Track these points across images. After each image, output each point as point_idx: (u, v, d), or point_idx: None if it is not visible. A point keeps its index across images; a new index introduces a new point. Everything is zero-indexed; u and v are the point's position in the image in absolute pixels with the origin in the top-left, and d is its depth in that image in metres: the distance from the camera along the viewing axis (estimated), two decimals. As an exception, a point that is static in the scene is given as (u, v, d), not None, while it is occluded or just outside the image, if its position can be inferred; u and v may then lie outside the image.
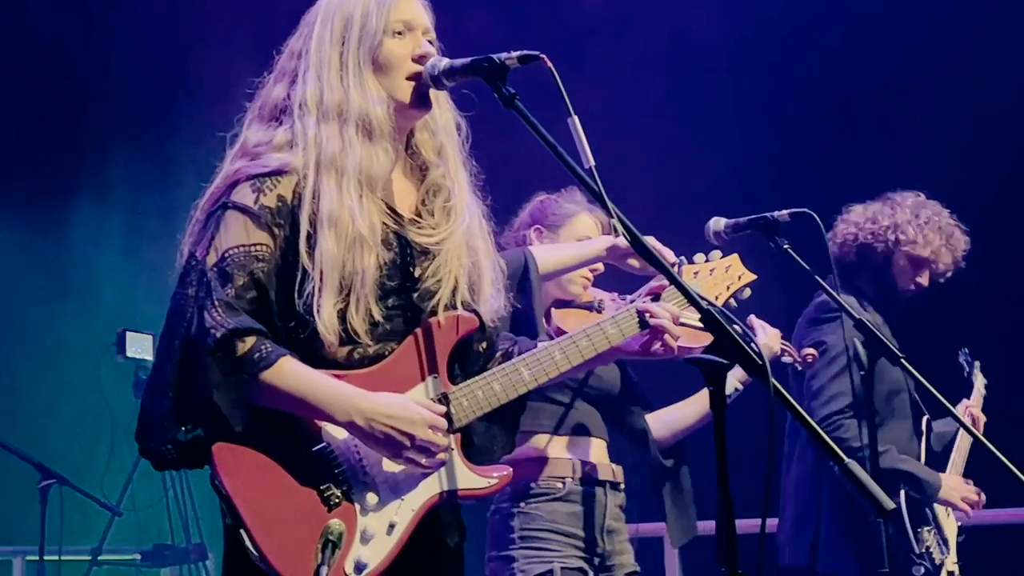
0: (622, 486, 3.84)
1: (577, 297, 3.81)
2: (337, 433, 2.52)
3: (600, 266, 3.80)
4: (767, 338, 4.02)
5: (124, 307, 7.03)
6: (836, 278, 3.76)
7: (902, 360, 3.31)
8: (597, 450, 3.80)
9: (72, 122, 7.57)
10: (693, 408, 4.06)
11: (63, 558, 5.98)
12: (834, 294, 3.44)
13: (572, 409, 3.77)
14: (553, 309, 3.78)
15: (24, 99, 7.40)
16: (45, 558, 5.66)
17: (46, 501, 5.56)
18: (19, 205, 7.40)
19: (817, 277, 3.42)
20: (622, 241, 3.32)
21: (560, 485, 3.69)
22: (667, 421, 4.04)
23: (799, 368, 4.23)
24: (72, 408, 7.16)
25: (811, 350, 4.13)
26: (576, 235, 3.86)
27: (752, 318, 4.09)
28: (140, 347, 6.20)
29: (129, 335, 6.22)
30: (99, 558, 6.48)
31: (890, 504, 2.22)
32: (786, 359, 4.20)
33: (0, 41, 7.33)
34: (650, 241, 2.87)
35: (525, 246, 3.54)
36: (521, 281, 3.04)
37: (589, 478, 3.74)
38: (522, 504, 3.68)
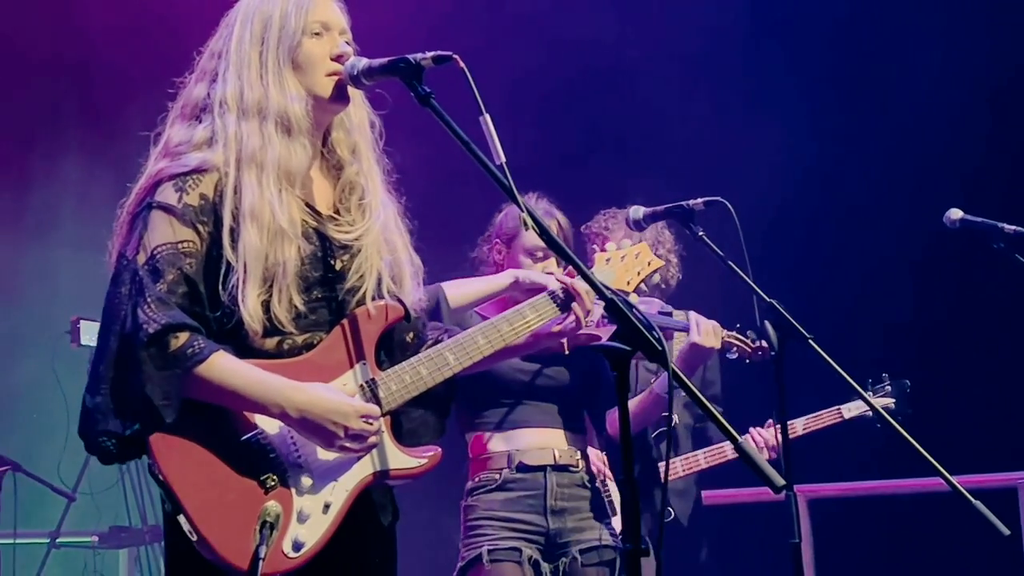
0: (576, 468, 3.88)
1: None
2: (269, 421, 2.55)
3: (555, 269, 3.87)
4: (701, 336, 4.12)
5: (79, 295, 6.98)
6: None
7: (810, 340, 3.36)
8: (542, 439, 3.86)
9: (24, 108, 7.50)
10: (642, 402, 4.23)
11: (19, 542, 5.97)
12: (746, 278, 3.48)
13: (519, 406, 3.88)
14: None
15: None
16: (1, 542, 5.63)
17: (0, 487, 5.54)
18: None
19: (730, 263, 3.47)
20: (523, 274, 3.39)
21: (496, 476, 3.82)
22: (610, 417, 4.13)
23: (747, 361, 4.28)
24: (28, 396, 7.11)
25: (764, 343, 4.17)
26: (524, 246, 3.94)
27: (691, 313, 4.18)
28: (95, 335, 6.13)
29: (83, 323, 6.17)
30: (57, 541, 6.46)
31: (780, 481, 2.27)
32: (732, 355, 4.26)
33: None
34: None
35: (439, 284, 3.59)
36: (432, 315, 3.10)
37: (526, 466, 3.82)
38: (468, 499, 3.86)
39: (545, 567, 3.81)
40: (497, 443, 3.86)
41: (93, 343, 5.96)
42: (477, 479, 3.86)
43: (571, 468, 3.88)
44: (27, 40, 7.34)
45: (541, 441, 3.86)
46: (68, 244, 7.31)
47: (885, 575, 6.30)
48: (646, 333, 2.33)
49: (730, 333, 4.28)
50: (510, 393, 3.88)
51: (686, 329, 4.20)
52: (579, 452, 3.92)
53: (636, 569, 2.27)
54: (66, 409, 6.58)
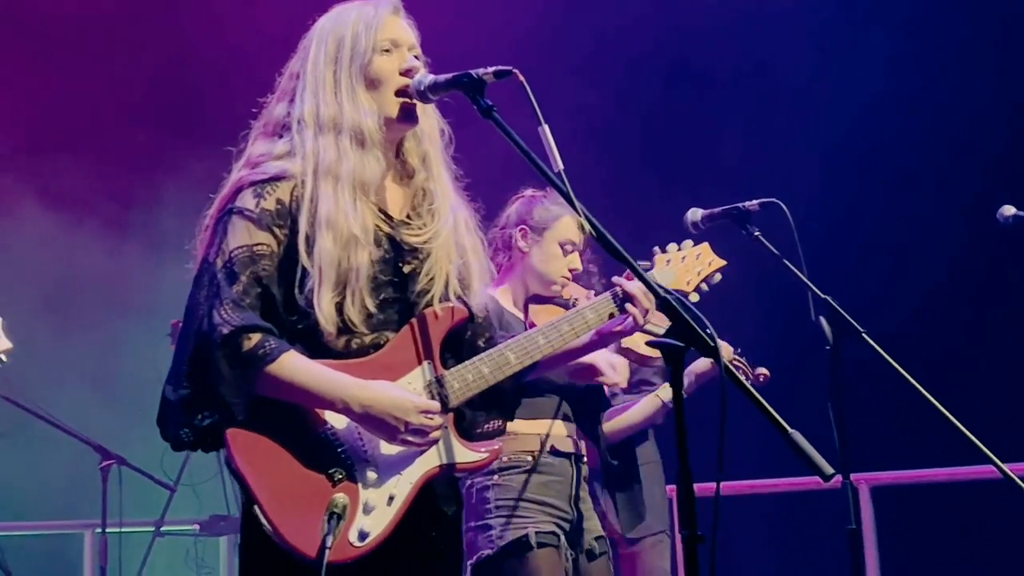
0: (586, 459, 3.87)
1: (556, 294, 3.86)
2: (338, 417, 2.55)
3: (579, 265, 3.86)
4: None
5: (178, 301, 7.07)
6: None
7: (863, 335, 3.31)
8: (560, 429, 3.81)
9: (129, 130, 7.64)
10: (639, 412, 4.15)
11: (127, 530, 6.06)
12: (802, 276, 3.44)
13: (540, 397, 3.78)
14: (530, 305, 3.82)
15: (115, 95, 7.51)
16: (109, 531, 5.72)
17: (107, 480, 5.63)
18: (95, 205, 7.50)
19: (785, 261, 3.43)
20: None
21: (529, 458, 3.71)
22: (613, 421, 4.10)
23: (750, 383, 4.22)
24: (132, 395, 7.22)
25: (764, 370, 4.15)
26: (559, 238, 3.89)
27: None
28: None
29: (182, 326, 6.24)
30: (161, 529, 6.56)
31: (830, 470, 2.24)
32: (739, 376, 4.21)
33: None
34: None
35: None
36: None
37: (557, 451, 3.76)
38: (496, 476, 3.69)
39: (569, 554, 3.74)
40: (524, 426, 3.71)
41: (191, 345, 6.17)
42: (507, 458, 3.68)
43: (584, 460, 3.86)
44: (130, 61, 7.50)
45: (564, 431, 3.81)
46: (168, 254, 7.43)
47: (948, 562, 6.19)
48: (699, 330, 2.32)
49: (737, 357, 4.23)
50: (533, 384, 3.80)
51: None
52: (585, 446, 3.90)
53: (693, 554, 2.26)
54: (167, 406, 6.70)
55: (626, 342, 3.88)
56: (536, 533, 3.62)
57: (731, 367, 2.34)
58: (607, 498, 4.21)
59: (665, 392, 4.17)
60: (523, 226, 3.92)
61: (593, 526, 3.83)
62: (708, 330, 2.33)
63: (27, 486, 6.66)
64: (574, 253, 3.91)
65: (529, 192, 4.02)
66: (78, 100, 7.48)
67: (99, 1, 7.41)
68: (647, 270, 3.11)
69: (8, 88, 7.32)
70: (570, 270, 3.87)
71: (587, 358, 3.34)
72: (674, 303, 2.35)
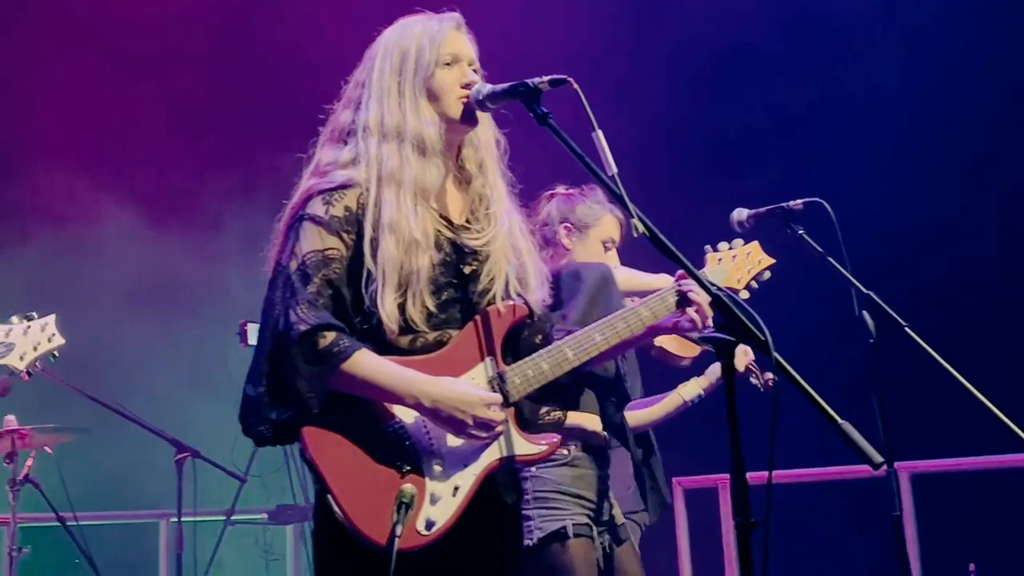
0: (614, 449, 3.89)
1: None
2: (406, 412, 2.58)
3: (617, 262, 3.91)
4: (737, 360, 4.04)
5: (246, 302, 7.14)
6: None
7: (906, 328, 3.30)
8: (594, 423, 3.81)
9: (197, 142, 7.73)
10: (661, 409, 4.16)
11: (201, 519, 6.13)
12: (846, 273, 3.43)
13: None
14: None
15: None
16: (183, 519, 5.80)
17: (182, 471, 5.70)
18: (174, 208, 7.62)
19: (829, 258, 3.42)
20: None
21: (566, 452, 3.71)
22: (635, 415, 4.11)
23: (761, 390, 4.21)
24: (205, 391, 7.30)
25: (772, 375, 4.13)
26: (602, 236, 3.93)
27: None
28: None
29: (250, 326, 6.24)
30: (232, 518, 6.61)
31: (879, 459, 2.24)
32: (753, 380, 4.20)
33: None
34: None
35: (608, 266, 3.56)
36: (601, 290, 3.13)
37: (590, 446, 3.77)
38: (533, 469, 3.66)
39: (599, 543, 3.76)
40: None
41: (259, 343, 6.22)
42: None
43: (613, 451, 3.88)
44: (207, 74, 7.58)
45: (595, 424, 3.81)
46: (237, 257, 7.51)
47: (985, 549, 6.13)
48: (749, 325, 2.33)
49: (753, 361, 4.22)
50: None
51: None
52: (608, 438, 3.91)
53: (746, 540, 2.26)
54: (236, 402, 6.76)
55: (659, 341, 3.91)
56: (572, 524, 3.65)
57: (783, 362, 2.31)
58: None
59: (686, 391, 4.17)
60: (567, 223, 3.95)
61: (618, 513, 3.85)
62: (759, 324, 2.33)
63: (106, 478, 6.75)
64: (613, 250, 3.96)
65: (562, 189, 4.03)
66: (158, 107, 7.59)
67: (178, 11, 7.51)
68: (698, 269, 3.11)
69: (93, 96, 7.43)
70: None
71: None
72: (725, 299, 2.36)
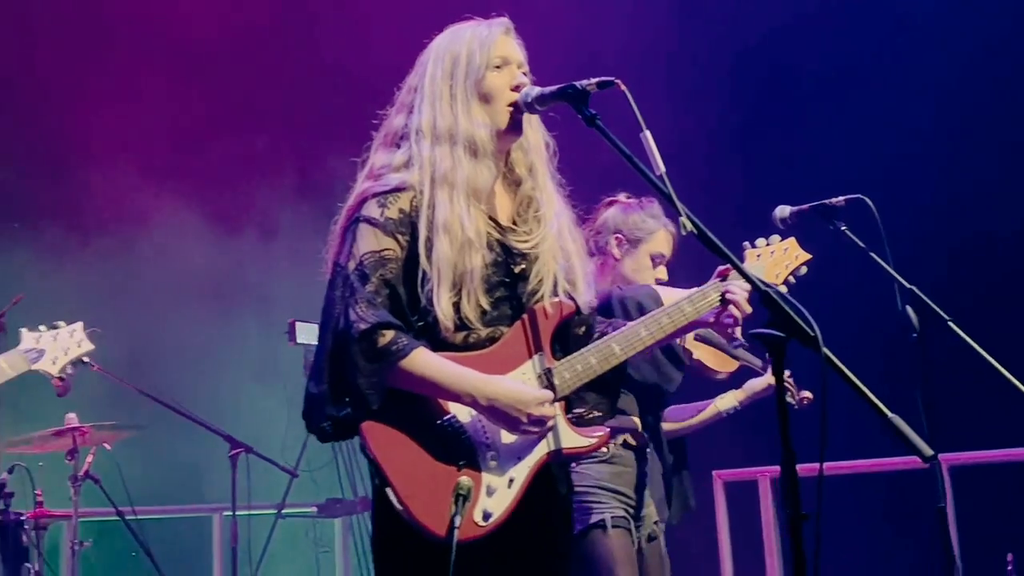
0: (650, 452, 3.89)
1: None
2: (462, 407, 2.58)
3: (665, 276, 3.89)
4: (769, 377, 4.05)
5: (294, 301, 7.18)
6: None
7: (949, 322, 3.26)
8: (634, 423, 3.81)
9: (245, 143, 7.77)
10: (698, 418, 4.18)
11: (252, 513, 6.16)
12: (889, 268, 3.39)
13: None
14: None
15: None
16: (237, 513, 5.83)
17: (235, 467, 5.73)
18: (226, 209, 7.68)
19: (872, 253, 3.38)
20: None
21: (605, 450, 3.63)
22: (673, 422, 4.14)
23: (795, 407, 4.18)
24: (256, 388, 7.34)
25: (808, 394, 4.12)
26: (652, 250, 3.90)
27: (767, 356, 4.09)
28: (308, 335, 6.22)
29: (299, 324, 6.30)
30: (283, 511, 6.66)
31: (929, 451, 2.21)
32: (788, 399, 4.17)
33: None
34: None
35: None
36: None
37: (629, 445, 3.77)
38: (573, 465, 3.59)
39: (636, 537, 3.76)
40: None
41: (307, 341, 6.24)
42: None
43: (649, 452, 3.87)
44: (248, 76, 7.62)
45: (635, 426, 3.81)
46: (285, 257, 7.55)
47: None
48: (798, 321, 2.29)
49: (787, 379, 4.20)
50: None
51: (758, 367, 4.13)
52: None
53: (797, 532, 2.24)
54: (286, 399, 6.80)
55: (697, 353, 3.91)
56: (612, 517, 3.65)
57: (832, 357, 2.28)
58: None
59: (723, 402, 4.20)
60: (619, 235, 3.92)
61: (652, 512, 3.86)
62: (808, 320, 2.30)
63: (163, 473, 6.79)
64: (662, 265, 3.93)
65: (623, 196, 4.01)
66: (214, 108, 7.65)
67: (234, 13, 7.56)
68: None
69: (163, 103, 7.50)
70: (657, 280, 3.89)
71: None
72: (775, 296, 2.33)
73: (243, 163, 7.80)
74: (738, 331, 3.01)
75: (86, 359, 2.85)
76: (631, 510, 3.74)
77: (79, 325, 2.85)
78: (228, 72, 7.65)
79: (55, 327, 2.81)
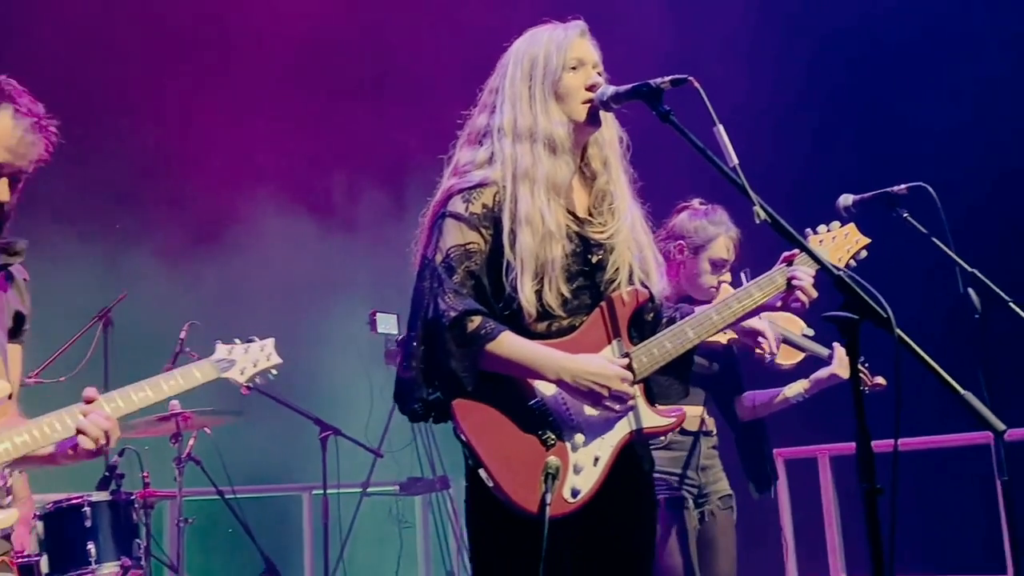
0: (714, 433, 3.95)
1: (710, 297, 3.89)
2: (546, 389, 2.58)
3: (728, 278, 3.91)
4: (840, 367, 4.02)
5: (374, 292, 7.23)
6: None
7: (1010, 304, 3.19)
8: (694, 411, 3.84)
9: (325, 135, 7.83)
10: (767, 406, 4.14)
11: (341, 491, 6.22)
12: (950, 252, 3.33)
13: None
14: None
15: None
16: (328, 491, 5.89)
17: (326, 448, 5.78)
18: (309, 212, 7.76)
19: (934, 239, 3.32)
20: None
21: (662, 437, 3.70)
22: (753, 404, 4.13)
23: (866, 391, 4.12)
24: (341, 375, 7.39)
25: (882, 379, 4.06)
26: (712, 256, 3.93)
27: (836, 345, 4.05)
28: (387, 324, 6.26)
29: (379, 315, 6.34)
30: (367, 490, 6.72)
31: (1001, 426, 2.17)
32: (866, 387, 4.11)
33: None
34: None
35: None
36: None
37: (684, 431, 3.82)
38: None
39: (695, 513, 3.82)
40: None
41: (387, 331, 6.27)
42: None
43: (711, 434, 3.93)
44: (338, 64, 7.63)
45: (693, 411, 3.83)
46: (365, 252, 7.61)
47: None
48: (871, 304, 2.26)
49: (860, 365, 4.13)
50: None
51: (824, 357, 4.09)
52: (714, 422, 3.95)
53: (873, 506, 2.21)
54: (368, 384, 6.87)
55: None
56: (665, 499, 3.72)
57: (905, 338, 2.24)
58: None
59: (791, 391, 4.16)
60: (681, 242, 3.96)
61: (720, 487, 3.92)
62: (881, 302, 2.26)
63: (258, 455, 6.87)
64: (724, 269, 3.95)
65: (696, 202, 4.03)
66: (311, 112, 7.75)
67: (322, 25, 7.63)
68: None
69: (253, 107, 7.61)
70: (720, 282, 3.93)
71: (756, 323, 3.30)
72: (848, 280, 2.29)
73: (328, 162, 7.88)
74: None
75: (274, 372, 2.94)
76: (692, 489, 3.82)
77: (270, 341, 2.95)
78: (322, 78, 7.73)
79: (249, 341, 2.92)
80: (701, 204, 4.01)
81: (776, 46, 6.88)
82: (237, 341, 2.89)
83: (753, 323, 3.24)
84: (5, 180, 2.45)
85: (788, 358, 4.05)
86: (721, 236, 3.93)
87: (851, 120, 6.51)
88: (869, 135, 6.35)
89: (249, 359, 2.89)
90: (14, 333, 2.61)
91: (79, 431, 2.42)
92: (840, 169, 5.92)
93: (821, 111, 6.72)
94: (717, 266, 3.93)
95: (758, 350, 3.31)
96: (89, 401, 2.47)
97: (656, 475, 3.65)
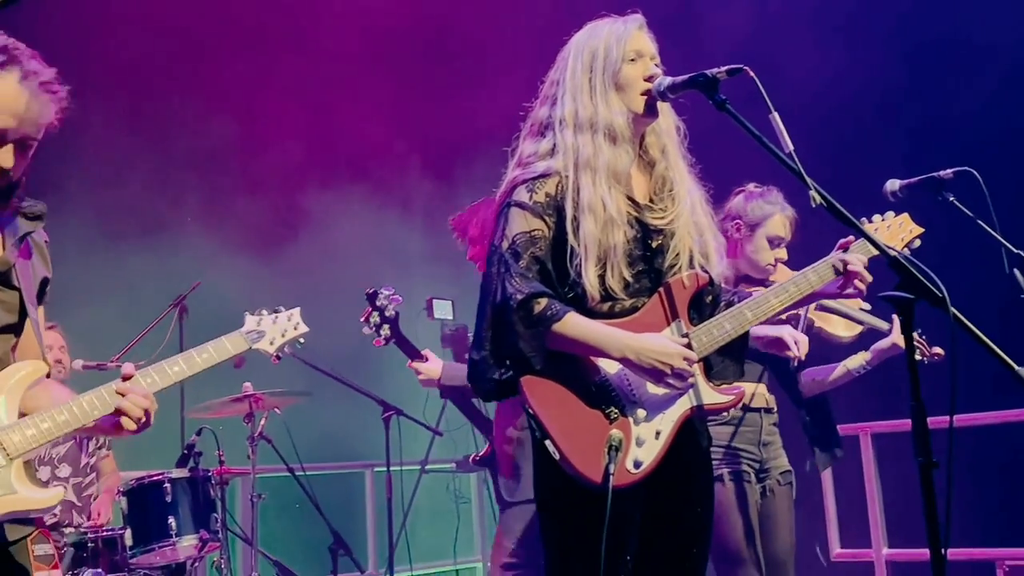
0: (775, 410, 3.90)
1: (766, 277, 3.87)
2: (610, 367, 2.58)
3: (785, 256, 3.88)
4: (897, 337, 3.97)
5: (430, 279, 7.25)
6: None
7: (1058, 285, 3.13)
8: (755, 389, 3.81)
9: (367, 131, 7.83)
10: (831, 378, 4.10)
11: (403, 468, 6.24)
12: (996, 235, 3.26)
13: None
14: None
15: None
16: (390, 468, 5.92)
17: (388, 427, 5.82)
18: (370, 200, 7.80)
19: (980, 221, 3.26)
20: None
21: (725, 413, 3.66)
22: (814, 380, 4.09)
23: (925, 362, 4.05)
24: (401, 359, 7.39)
25: (939, 349, 4.01)
26: (769, 233, 3.90)
27: (893, 316, 3.99)
28: (443, 310, 6.25)
29: (435, 302, 6.35)
30: (426, 467, 6.77)
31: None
32: (919, 357, 4.05)
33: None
34: None
35: None
36: None
37: (748, 407, 3.78)
38: None
39: (756, 488, 3.78)
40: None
41: (443, 317, 6.27)
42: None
43: (772, 411, 3.88)
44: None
45: (757, 390, 3.81)
46: (421, 239, 7.63)
47: None
48: (927, 284, 2.23)
49: (918, 336, 4.08)
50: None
51: (884, 329, 4.04)
52: (775, 399, 3.90)
53: (929, 479, 2.18)
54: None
55: (819, 323, 3.86)
56: (728, 473, 3.69)
57: (960, 316, 2.21)
58: None
59: (852, 363, 4.12)
60: (738, 221, 3.94)
61: (780, 463, 3.88)
62: (935, 282, 2.23)
63: (325, 434, 6.93)
64: (781, 246, 3.92)
65: (751, 187, 4.01)
66: (378, 110, 7.77)
67: (377, 27, 7.62)
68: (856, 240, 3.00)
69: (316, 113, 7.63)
70: (776, 259, 3.90)
71: (775, 332, 3.32)
72: (904, 261, 2.27)
73: (382, 153, 7.90)
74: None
75: (301, 340, 2.93)
76: (755, 464, 3.77)
77: (297, 310, 2.93)
78: (390, 65, 7.75)
79: (276, 311, 2.90)
80: (756, 187, 4.00)
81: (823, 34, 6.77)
82: (264, 312, 2.88)
83: (770, 332, 3.25)
84: (10, 146, 2.29)
85: (848, 331, 4.00)
86: (777, 214, 3.91)
87: (898, 106, 6.39)
88: (915, 121, 6.24)
89: (278, 329, 2.87)
90: (39, 299, 2.53)
91: (120, 412, 2.37)
92: (885, 155, 5.82)
93: (868, 98, 6.60)
94: (774, 243, 3.90)
95: (787, 353, 3.30)
96: (127, 378, 2.41)
97: (719, 449, 3.71)
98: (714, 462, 3.64)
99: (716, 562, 3.67)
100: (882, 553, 5.92)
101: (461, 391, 4.14)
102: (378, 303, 4.17)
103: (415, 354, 4.17)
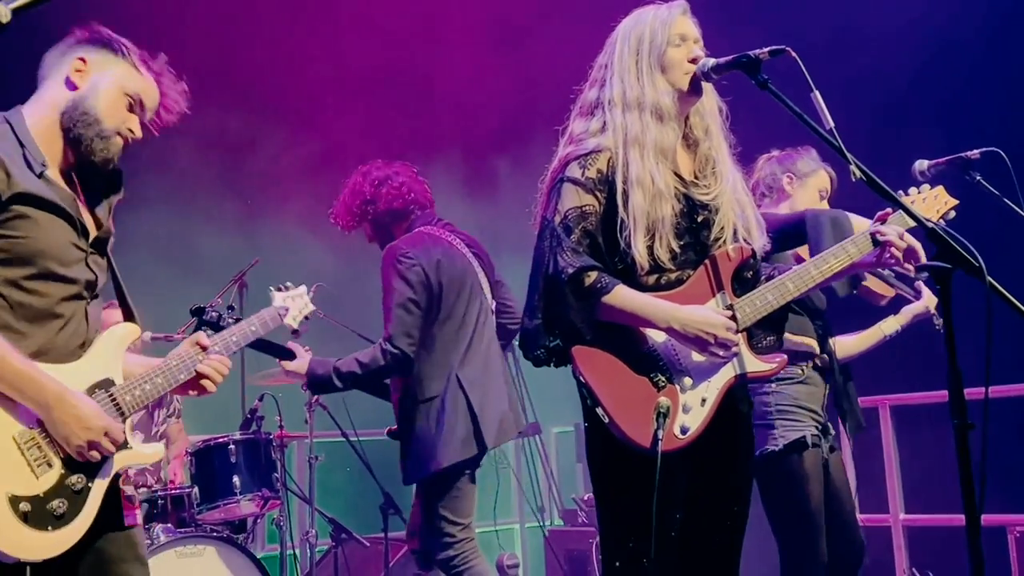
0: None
1: None
2: (657, 336, 2.54)
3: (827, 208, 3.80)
4: (930, 303, 3.89)
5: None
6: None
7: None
8: (813, 347, 3.69)
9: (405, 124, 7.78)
10: (867, 339, 3.99)
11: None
12: (1022, 212, 3.17)
13: (798, 316, 3.66)
14: None
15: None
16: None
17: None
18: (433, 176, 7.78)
19: (1006, 200, 3.17)
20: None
21: (800, 371, 3.64)
22: (843, 345, 3.95)
23: (939, 330, 3.96)
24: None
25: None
26: (818, 185, 3.86)
27: (920, 283, 3.90)
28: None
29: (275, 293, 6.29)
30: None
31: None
32: (937, 321, 3.96)
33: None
34: None
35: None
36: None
37: (818, 367, 3.68)
38: (773, 385, 3.62)
39: (825, 447, 3.65)
40: (794, 341, 3.61)
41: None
42: (785, 371, 3.49)
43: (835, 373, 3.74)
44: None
45: (814, 347, 3.66)
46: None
47: None
48: (964, 254, 2.17)
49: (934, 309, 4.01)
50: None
51: (911, 293, 3.95)
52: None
53: (964, 441, 2.12)
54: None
55: (867, 281, 3.78)
56: (811, 435, 3.58)
57: (996, 285, 2.15)
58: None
59: (887, 325, 4.02)
60: (789, 173, 3.88)
61: (830, 427, 3.75)
62: (972, 251, 2.17)
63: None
64: (825, 200, 3.88)
65: (776, 152, 3.95)
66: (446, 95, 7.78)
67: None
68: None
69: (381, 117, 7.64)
70: None
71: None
72: (941, 232, 2.21)
73: (421, 144, 7.87)
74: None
75: (309, 316, 3.06)
76: (820, 426, 3.65)
77: (303, 288, 3.06)
78: (441, 52, 7.70)
79: (287, 287, 3.00)
80: (782, 151, 3.94)
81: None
82: (288, 285, 3.00)
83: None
84: (136, 117, 2.55)
85: (886, 291, 3.89)
86: (821, 169, 3.90)
87: (930, 88, 6.26)
88: (945, 102, 6.11)
89: (297, 306, 3.02)
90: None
91: (202, 376, 2.60)
92: (916, 136, 5.70)
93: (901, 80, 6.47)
94: (822, 195, 3.85)
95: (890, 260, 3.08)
96: (203, 347, 2.62)
97: (790, 408, 3.57)
98: (793, 422, 3.55)
99: (786, 527, 3.56)
100: (899, 518, 5.87)
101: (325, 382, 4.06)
102: (206, 318, 3.43)
103: (284, 354, 4.05)
